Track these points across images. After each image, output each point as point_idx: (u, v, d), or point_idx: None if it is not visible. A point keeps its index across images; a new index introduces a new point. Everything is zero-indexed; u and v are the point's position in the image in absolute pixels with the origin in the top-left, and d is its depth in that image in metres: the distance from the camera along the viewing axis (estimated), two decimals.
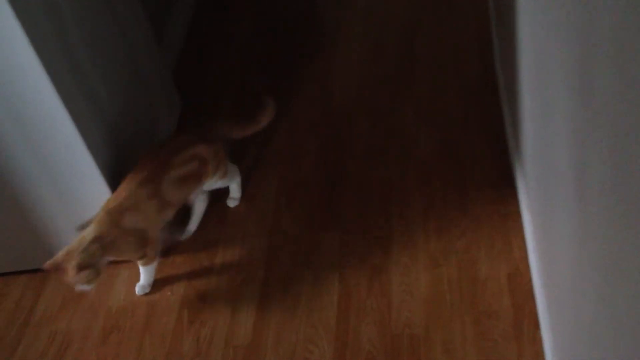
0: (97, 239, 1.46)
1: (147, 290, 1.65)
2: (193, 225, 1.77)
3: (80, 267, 1.43)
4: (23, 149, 1.48)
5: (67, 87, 1.44)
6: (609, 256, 0.78)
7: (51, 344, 1.60)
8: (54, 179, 1.55)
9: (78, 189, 1.57)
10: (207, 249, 1.73)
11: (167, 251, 1.73)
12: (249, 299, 1.60)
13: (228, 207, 1.82)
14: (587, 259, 0.91)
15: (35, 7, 1.37)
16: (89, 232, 1.47)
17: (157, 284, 1.67)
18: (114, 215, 1.50)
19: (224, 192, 1.85)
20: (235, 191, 1.82)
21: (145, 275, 1.64)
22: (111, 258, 1.55)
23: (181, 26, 2.44)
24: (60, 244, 1.68)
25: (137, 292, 1.65)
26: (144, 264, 1.62)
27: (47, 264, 1.44)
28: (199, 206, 1.77)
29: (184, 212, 1.74)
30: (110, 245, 1.49)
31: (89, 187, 1.57)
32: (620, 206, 0.71)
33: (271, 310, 1.57)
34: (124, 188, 1.53)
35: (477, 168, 1.79)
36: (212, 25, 2.51)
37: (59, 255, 1.45)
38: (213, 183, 1.71)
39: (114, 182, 1.58)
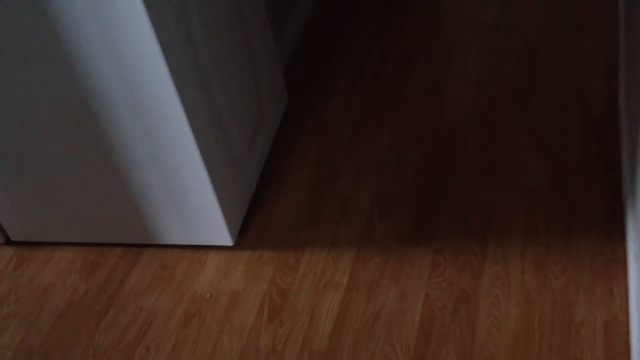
0: None
1: None
2: None
3: None
4: (135, 131, 1.53)
5: (183, 76, 1.46)
6: None
7: (135, 320, 1.64)
8: (160, 165, 1.59)
9: (180, 176, 1.60)
10: (295, 249, 1.73)
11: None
12: (329, 305, 1.59)
13: (319, 211, 1.81)
14: None
15: (164, 4, 1.40)
16: None
17: (243, 276, 1.69)
18: None
19: (316, 193, 1.85)
20: None
21: None
22: None
23: (299, 25, 2.45)
24: (155, 225, 1.73)
25: None
26: None
27: None
28: None
29: None
30: None
31: (191, 175, 1.59)
32: None
33: (351, 321, 1.55)
34: None
35: (586, 204, 1.68)
36: (329, 27, 2.51)
37: None
38: None
39: (213, 173, 1.60)
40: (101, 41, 1.38)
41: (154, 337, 1.60)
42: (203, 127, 1.56)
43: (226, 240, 1.73)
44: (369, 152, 1.97)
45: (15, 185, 1.71)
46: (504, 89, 2.09)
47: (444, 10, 2.49)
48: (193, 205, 1.67)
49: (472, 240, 1.66)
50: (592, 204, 1.68)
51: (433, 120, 2.03)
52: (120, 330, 1.63)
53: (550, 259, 1.58)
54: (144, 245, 1.81)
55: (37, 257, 1.86)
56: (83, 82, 1.45)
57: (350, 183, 1.88)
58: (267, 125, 1.98)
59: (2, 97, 1.52)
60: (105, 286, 1.74)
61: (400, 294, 1.58)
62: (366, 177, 1.89)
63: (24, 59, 1.44)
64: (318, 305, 1.59)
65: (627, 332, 1.41)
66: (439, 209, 1.76)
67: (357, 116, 2.10)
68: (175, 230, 1.74)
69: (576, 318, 1.45)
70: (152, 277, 1.74)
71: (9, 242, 1.90)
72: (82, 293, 1.74)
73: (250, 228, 1.81)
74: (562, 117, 1.94)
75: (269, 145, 1.99)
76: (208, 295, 1.66)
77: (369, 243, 1.71)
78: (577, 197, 1.71)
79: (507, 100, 2.05)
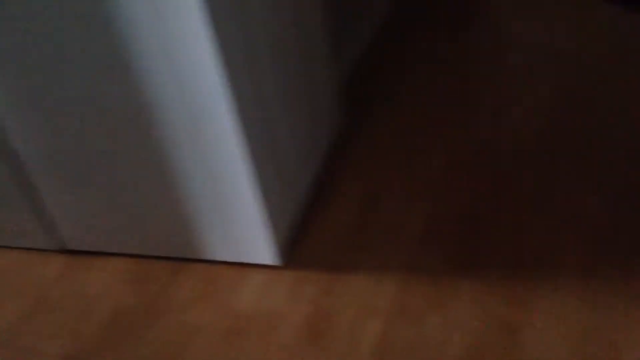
0: None
1: None
2: None
3: None
4: (187, 143, 1.54)
5: (239, 89, 1.47)
6: None
7: (178, 334, 1.65)
8: (211, 181, 1.60)
9: (230, 192, 1.61)
10: (339, 271, 1.71)
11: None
12: (371, 331, 1.56)
13: (366, 233, 1.79)
14: None
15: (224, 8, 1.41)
16: None
17: (285, 296, 1.68)
18: None
19: (365, 215, 1.82)
20: None
21: None
22: None
23: (362, 41, 2.44)
24: (202, 240, 1.74)
25: None
26: None
27: None
28: None
29: None
30: None
31: (240, 190, 1.60)
32: None
33: (391, 349, 1.51)
34: None
35: None
36: (394, 45, 2.49)
37: None
38: None
39: (263, 191, 1.60)
40: (160, 52, 1.40)
41: (195, 352, 1.61)
42: (256, 143, 1.57)
43: (271, 259, 1.73)
44: (421, 175, 1.93)
45: (72, 195, 1.76)
46: (568, 119, 2.02)
47: (513, 34, 2.43)
48: (240, 223, 1.67)
49: (522, 274, 1.60)
50: None
51: (490, 147, 1.98)
52: (163, 343, 1.64)
53: (608, 300, 1.50)
54: (190, 259, 1.82)
55: (89, 266, 1.90)
56: (141, 97, 1.48)
57: (399, 206, 1.85)
58: (321, 142, 1.97)
59: (62, 108, 1.56)
60: (151, 299, 1.76)
61: (444, 325, 1.54)
62: (416, 201, 1.86)
63: (83, 68, 1.47)
64: (359, 331, 1.56)
65: None
66: (490, 239, 1.71)
67: (412, 138, 2.07)
68: (221, 246, 1.75)
69: None
70: (197, 292, 1.75)
71: (63, 249, 1.94)
72: (129, 305, 1.76)
73: (295, 247, 1.80)
74: (629, 156, 1.86)
75: (321, 162, 1.98)
76: (250, 314, 1.66)
77: (415, 270, 1.67)
78: (637, 240, 1.63)
79: (571, 132, 1.98)
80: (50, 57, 1.46)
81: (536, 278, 1.59)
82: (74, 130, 1.59)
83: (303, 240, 1.82)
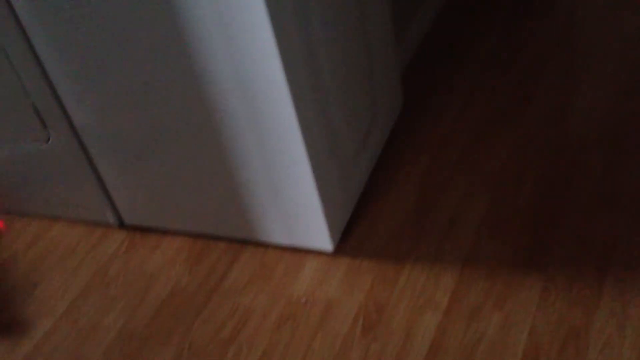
0: None
1: None
2: None
3: None
4: (244, 126, 1.52)
5: (296, 74, 1.44)
6: None
7: (232, 317, 1.65)
8: (267, 164, 1.58)
9: (286, 177, 1.59)
10: (396, 261, 1.67)
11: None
12: (426, 326, 1.52)
13: (425, 223, 1.74)
14: None
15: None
16: None
17: (340, 284, 1.65)
18: None
19: (424, 204, 1.78)
20: None
21: None
22: None
23: (422, 27, 2.37)
24: (259, 222, 1.73)
25: None
26: None
27: None
28: None
29: None
30: None
31: (296, 176, 1.57)
32: None
33: (447, 345, 1.47)
34: None
35: None
36: (454, 31, 2.40)
37: None
38: None
39: (319, 175, 1.57)
40: (220, 37, 1.38)
41: (248, 335, 1.61)
42: (313, 128, 1.54)
43: (326, 245, 1.70)
44: (483, 166, 1.87)
45: (130, 172, 1.77)
46: (637, 108, 1.91)
47: (579, 18, 2.31)
48: (296, 207, 1.65)
49: (588, 272, 1.53)
50: None
51: (555, 137, 1.90)
52: (217, 325, 1.65)
53: None
54: (246, 241, 1.82)
55: (147, 243, 1.92)
56: (200, 79, 1.47)
57: (460, 197, 1.79)
58: (379, 129, 1.92)
59: (125, 88, 1.56)
60: (207, 279, 1.77)
61: (504, 323, 1.48)
62: (478, 192, 1.79)
63: (146, 50, 1.47)
64: (414, 324, 1.53)
65: None
66: (554, 234, 1.64)
67: (474, 127, 2.00)
68: (277, 230, 1.73)
69: None
70: (252, 274, 1.74)
71: (122, 225, 1.97)
72: (185, 283, 1.77)
73: (352, 235, 1.77)
74: None
75: (379, 150, 1.94)
76: (303, 300, 1.64)
77: (475, 264, 1.62)
78: None
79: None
80: (113, 34, 1.46)
81: (605, 277, 1.51)
82: (134, 109, 1.60)
83: (360, 227, 1.78)
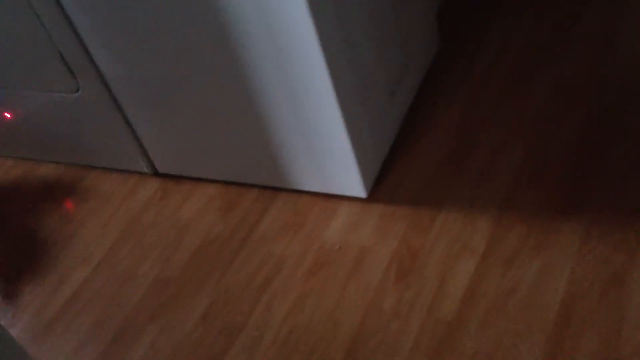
0: None
1: None
2: None
3: None
4: (272, 72, 1.48)
5: (323, 15, 1.38)
6: None
7: (264, 265, 1.65)
8: (297, 109, 1.54)
9: (317, 122, 1.55)
10: (431, 207, 1.63)
11: None
12: (462, 271, 1.49)
13: (462, 166, 1.69)
14: None
15: None
16: None
17: (373, 231, 1.63)
18: None
19: (461, 147, 1.73)
20: None
21: None
22: None
23: None
24: (290, 169, 1.70)
25: None
26: None
27: None
28: None
29: None
30: None
31: (327, 121, 1.53)
32: None
33: (484, 291, 1.44)
34: None
35: None
36: None
37: None
38: None
39: (350, 120, 1.53)
40: None
41: (281, 282, 1.60)
42: (343, 71, 1.48)
43: (359, 191, 1.67)
44: (522, 107, 1.79)
45: (161, 120, 1.75)
46: None
47: None
48: (328, 152, 1.62)
49: (631, 217, 1.47)
50: None
51: (600, 77, 1.80)
52: (250, 272, 1.65)
53: None
54: (278, 188, 1.80)
55: (180, 191, 1.92)
56: (227, 25, 1.42)
57: (498, 140, 1.73)
58: (414, 70, 1.86)
59: (151, 34, 1.53)
60: (240, 226, 1.76)
61: (542, 268, 1.44)
62: (516, 135, 1.73)
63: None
64: (449, 271, 1.50)
65: None
66: (596, 178, 1.57)
67: (513, 66, 1.91)
68: (309, 177, 1.71)
69: None
70: (284, 222, 1.73)
71: (156, 173, 1.97)
72: (218, 231, 1.77)
73: (385, 180, 1.73)
74: None
75: (413, 92, 1.88)
76: (337, 247, 1.63)
77: (513, 209, 1.57)
78: None
79: None
80: None
81: None
82: (161, 55, 1.57)
83: (393, 172, 1.74)
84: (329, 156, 1.62)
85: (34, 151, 2.10)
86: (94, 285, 1.74)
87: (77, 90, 1.74)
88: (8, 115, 1.97)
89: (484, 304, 1.42)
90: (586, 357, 1.29)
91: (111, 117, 1.79)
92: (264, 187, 1.82)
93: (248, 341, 1.51)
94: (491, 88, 1.87)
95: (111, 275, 1.75)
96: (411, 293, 1.48)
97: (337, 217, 1.69)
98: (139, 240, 1.82)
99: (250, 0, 1.35)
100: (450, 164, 1.71)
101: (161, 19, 1.48)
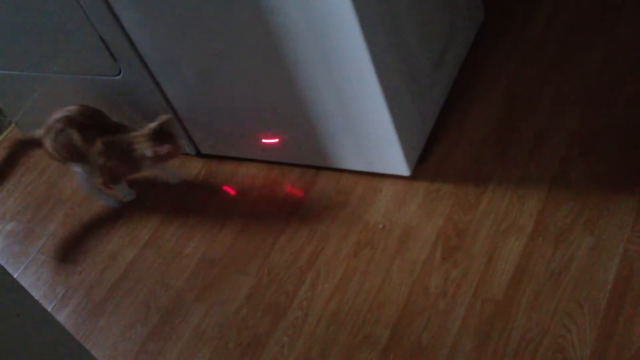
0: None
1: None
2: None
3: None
4: (313, 52, 1.45)
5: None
6: None
7: (309, 243, 1.64)
8: (339, 89, 1.51)
9: (359, 101, 1.51)
10: (477, 184, 1.59)
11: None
12: (510, 250, 1.45)
13: (510, 142, 1.64)
14: None
15: None
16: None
17: (418, 209, 1.60)
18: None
19: (508, 122, 1.67)
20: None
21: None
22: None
23: None
24: (333, 148, 1.68)
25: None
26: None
27: None
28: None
29: None
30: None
31: (368, 99, 1.50)
32: None
33: (533, 270, 1.40)
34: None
35: None
36: None
37: None
38: None
39: (392, 98, 1.49)
40: None
41: (325, 262, 1.59)
42: (384, 48, 1.44)
43: (403, 169, 1.64)
44: (573, 79, 1.72)
45: (201, 102, 1.75)
46: None
47: None
48: (370, 131, 1.58)
49: None
50: None
51: None
52: (294, 251, 1.64)
53: None
54: (320, 167, 1.78)
55: (224, 172, 1.92)
56: (269, 11, 1.40)
57: (547, 114, 1.67)
58: (458, 44, 1.80)
59: (187, 15, 1.52)
60: (283, 206, 1.75)
61: (595, 246, 1.39)
62: (568, 108, 1.66)
63: None
64: (497, 249, 1.46)
65: None
66: None
67: (563, 37, 1.84)
68: (351, 156, 1.68)
69: None
70: (328, 200, 1.71)
71: (199, 154, 1.97)
72: (262, 210, 1.77)
73: (429, 158, 1.69)
74: None
75: (457, 66, 1.82)
76: (381, 226, 1.60)
77: (564, 184, 1.52)
78: None
79: None
80: None
81: None
82: (199, 36, 1.55)
83: (439, 149, 1.70)
84: (371, 134, 1.59)
85: None
86: (141, 266, 1.76)
87: (119, 73, 1.75)
88: None
89: (534, 283, 1.38)
90: None
91: (153, 99, 1.80)
92: (306, 166, 1.81)
93: (293, 321, 1.51)
94: (538, 61, 1.80)
95: (158, 256, 1.77)
96: (458, 272, 1.45)
97: (381, 196, 1.66)
98: (184, 221, 1.83)
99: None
100: (498, 140, 1.66)
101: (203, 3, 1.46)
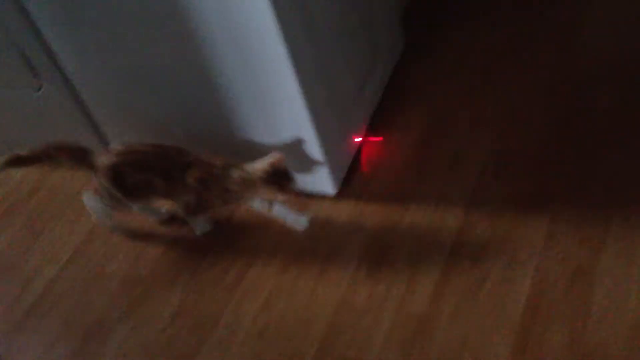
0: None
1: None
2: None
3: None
4: (237, 68, 1.48)
5: (289, 18, 1.38)
6: None
7: (236, 261, 1.64)
8: (266, 111, 1.54)
9: (286, 123, 1.55)
10: (400, 203, 1.65)
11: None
12: (431, 266, 1.51)
13: (429, 163, 1.71)
14: None
15: None
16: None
17: (343, 227, 1.64)
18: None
19: (428, 143, 1.75)
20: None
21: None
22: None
23: None
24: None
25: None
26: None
27: None
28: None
29: None
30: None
31: (295, 121, 1.53)
32: None
33: (453, 285, 1.47)
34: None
35: None
36: None
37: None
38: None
39: (317, 119, 1.53)
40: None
41: (252, 280, 1.60)
42: (311, 75, 1.49)
43: (329, 188, 1.68)
44: (489, 102, 1.82)
45: (124, 116, 1.73)
46: None
47: None
48: (297, 151, 1.62)
49: (594, 211, 1.51)
50: None
51: (564, 71, 1.84)
52: (221, 269, 1.64)
53: None
54: None
55: None
56: (191, 24, 1.41)
57: (464, 135, 1.76)
58: (380, 68, 1.87)
59: (106, 27, 1.51)
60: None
61: (509, 262, 1.47)
62: (483, 130, 1.76)
63: None
64: (419, 265, 1.52)
65: None
66: (561, 173, 1.61)
67: (480, 62, 1.94)
68: None
69: None
70: (255, 218, 1.72)
71: None
72: (188, 229, 1.76)
73: (355, 177, 1.74)
74: None
75: (381, 89, 1.89)
76: (307, 243, 1.63)
77: (480, 203, 1.60)
78: None
79: None
80: None
81: (608, 216, 1.49)
82: (118, 49, 1.54)
83: (363, 169, 1.75)
84: (298, 154, 1.62)
85: None
86: (61, 287, 1.72)
87: (40, 88, 1.71)
88: None
89: (453, 299, 1.44)
90: (553, 350, 1.32)
91: (74, 114, 1.76)
92: None
93: (219, 340, 1.51)
94: (456, 86, 1.90)
95: (79, 276, 1.73)
96: (382, 288, 1.50)
97: (308, 214, 1.69)
98: (107, 239, 1.79)
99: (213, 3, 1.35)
100: (418, 161, 1.73)
101: (114, 8, 1.45)
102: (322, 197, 1.71)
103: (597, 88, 1.77)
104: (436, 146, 1.75)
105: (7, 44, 1.61)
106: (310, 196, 1.72)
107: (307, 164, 1.63)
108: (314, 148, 1.58)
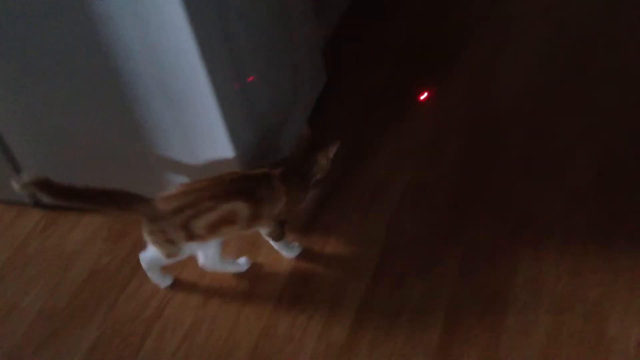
0: None
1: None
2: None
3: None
4: (155, 90, 1.49)
5: (211, 45, 1.41)
6: None
7: (157, 293, 1.63)
8: (189, 143, 1.56)
9: (208, 153, 1.57)
10: (321, 233, 1.69)
11: None
12: (352, 296, 1.54)
13: (350, 194, 1.76)
14: None
15: None
16: None
17: (266, 258, 1.65)
18: None
19: (349, 175, 1.80)
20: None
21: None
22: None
23: (343, 2, 2.37)
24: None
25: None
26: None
27: None
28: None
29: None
30: None
31: (218, 152, 1.55)
32: None
33: (372, 314, 1.50)
34: None
35: (634, 213, 1.59)
36: (375, 6, 2.42)
37: None
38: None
39: (237, 143, 1.56)
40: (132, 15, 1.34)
41: (173, 312, 1.59)
42: (233, 105, 1.52)
43: None
44: (407, 135, 1.90)
45: (42, 148, 1.70)
46: (557, 78, 1.99)
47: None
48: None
49: (507, 239, 1.59)
50: None
51: (479, 105, 1.96)
52: (141, 301, 1.62)
53: (587, 269, 1.50)
54: None
55: (65, 222, 1.85)
56: (111, 58, 1.42)
57: (384, 167, 1.82)
58: (303, 104, 1.92)
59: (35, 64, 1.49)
60: (129, 257, 1.73)
61: (427, 291, 1.52)
62: (402, 162, 1.83)
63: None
64: (340, 296, 1.55)
65: None
66: (476, 203, 1.69)
67: (399, 96, 2.03)
68: None
69: (608, 333, 1.38)
70: None
71: (37, 204, 1.89)
72: (106, 262, 1.73)
73: None
74: (616, 113, 1.84)
75: (302, 122, 1.94)
76: (229, 276, 1.64)
77: (399, 234, 1.65)
78: (625, 204, 1.61)
79: (560, 91, 1.95)
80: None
81: (520, 244, 1.57)
82: (38, 83, 1.53)
83: None
84: None
85: None
86: None
87: None
88: None
89: (373, 327, 1.48)
90: None
91: None
92: None
93: None
94: (380, 115, 1.98)
95: None
96: (304, 317, 1.52)
97: (230, 246, 1.70)
98: (21, 273, 1.74)
99: (135, 31, 1.36)
100: (340, 191, 1.78)
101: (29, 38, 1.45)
102: None
103: (509, 121, 1.88)
104: (357, 178, 1.81)
105: None
106: None
107: None
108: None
